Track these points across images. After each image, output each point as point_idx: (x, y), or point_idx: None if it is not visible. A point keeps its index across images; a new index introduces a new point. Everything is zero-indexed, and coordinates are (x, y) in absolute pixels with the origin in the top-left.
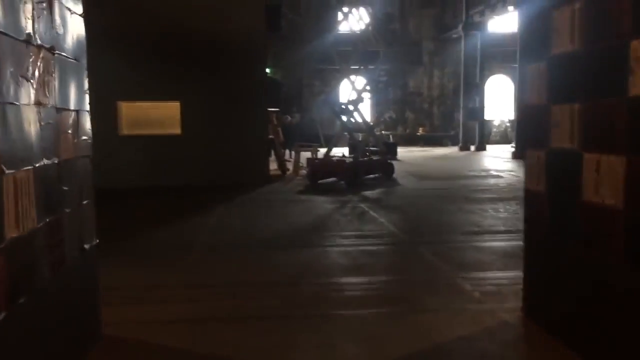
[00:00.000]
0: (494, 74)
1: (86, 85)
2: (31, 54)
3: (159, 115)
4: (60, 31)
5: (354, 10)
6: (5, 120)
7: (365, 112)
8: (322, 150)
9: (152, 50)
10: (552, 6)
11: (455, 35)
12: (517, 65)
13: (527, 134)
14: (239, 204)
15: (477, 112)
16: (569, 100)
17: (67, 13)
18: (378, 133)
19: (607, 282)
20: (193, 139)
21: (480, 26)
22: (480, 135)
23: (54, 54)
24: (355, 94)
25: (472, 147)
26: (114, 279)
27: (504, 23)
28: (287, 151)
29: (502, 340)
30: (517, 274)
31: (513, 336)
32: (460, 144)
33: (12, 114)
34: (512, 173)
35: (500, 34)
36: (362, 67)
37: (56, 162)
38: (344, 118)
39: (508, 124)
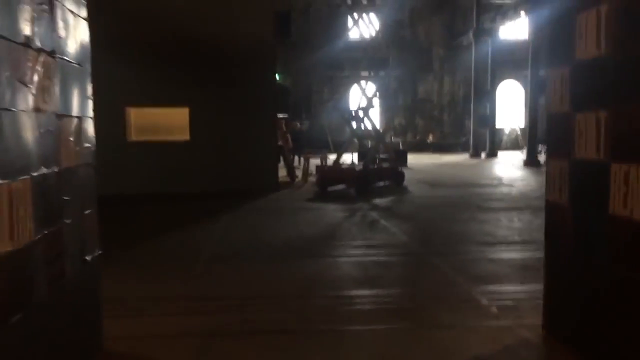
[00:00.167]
0: (504, 79)
1: (90, 90)
2: (30, 57)
3: (167, 122)
4: (63, 35)
5: (364, 16)
6: (0, 127)
7: (374, 118)
8: (332, 157)
9: (162, 56)
10: (576, 10)
11: (465, 42)
12: (528, 72)
13: (548, 143)
14: (247, 212)
15: (487, 119)
16: (595, 108)
17: (70, 16)
18: (388, 140)
19: (636, 300)
20: (202, 145)
21: (491, 32)
22: (491, 142)
23: (55, 58)
24: (365, 101)
25: (483, 154)
26: (117, 290)
27: (515, 29)
28: (296, 158)
29: None
30: (535, 287)
31: (536, 356)
32: (470, 151)
33: (7, 121)
34: (524, 181)
35: (512, 41)
36: (372, 74)
37: (56, 170)
38: (354, 125)
39: (519, 132)
